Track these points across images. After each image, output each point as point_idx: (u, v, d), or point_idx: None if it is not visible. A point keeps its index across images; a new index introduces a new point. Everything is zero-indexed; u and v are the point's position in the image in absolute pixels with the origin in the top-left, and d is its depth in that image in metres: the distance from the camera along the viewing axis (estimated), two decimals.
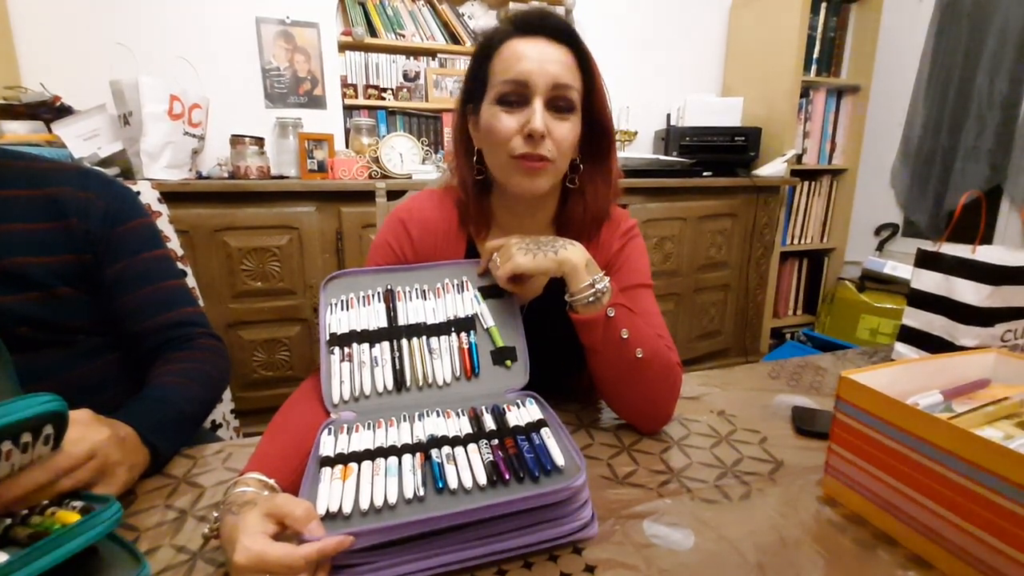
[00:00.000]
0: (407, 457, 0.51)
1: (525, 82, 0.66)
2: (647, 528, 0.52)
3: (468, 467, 0.49)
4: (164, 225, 1.22)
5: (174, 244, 1.21)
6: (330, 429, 0.57)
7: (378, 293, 0.70)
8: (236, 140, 1.76)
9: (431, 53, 2.20)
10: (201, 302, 1.16)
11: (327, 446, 0.54)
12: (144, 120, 1.57)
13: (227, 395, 1.20)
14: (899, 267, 2.37)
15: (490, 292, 0.71)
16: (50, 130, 1.55)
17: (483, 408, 0.60)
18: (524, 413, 0.59)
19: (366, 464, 0.50)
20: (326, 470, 0.50)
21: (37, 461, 0.47)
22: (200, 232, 1.58)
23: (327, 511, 0.45)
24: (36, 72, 1.71)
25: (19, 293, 0.67)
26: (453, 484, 0.47)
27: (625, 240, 0.79)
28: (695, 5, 2.54)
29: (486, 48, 0.71)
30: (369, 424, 0.58)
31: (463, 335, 0.68)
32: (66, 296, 0.70)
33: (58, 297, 0.70)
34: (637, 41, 2.48)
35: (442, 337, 0.67)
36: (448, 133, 2.23)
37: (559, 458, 0.50)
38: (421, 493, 0.47)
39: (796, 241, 2.68)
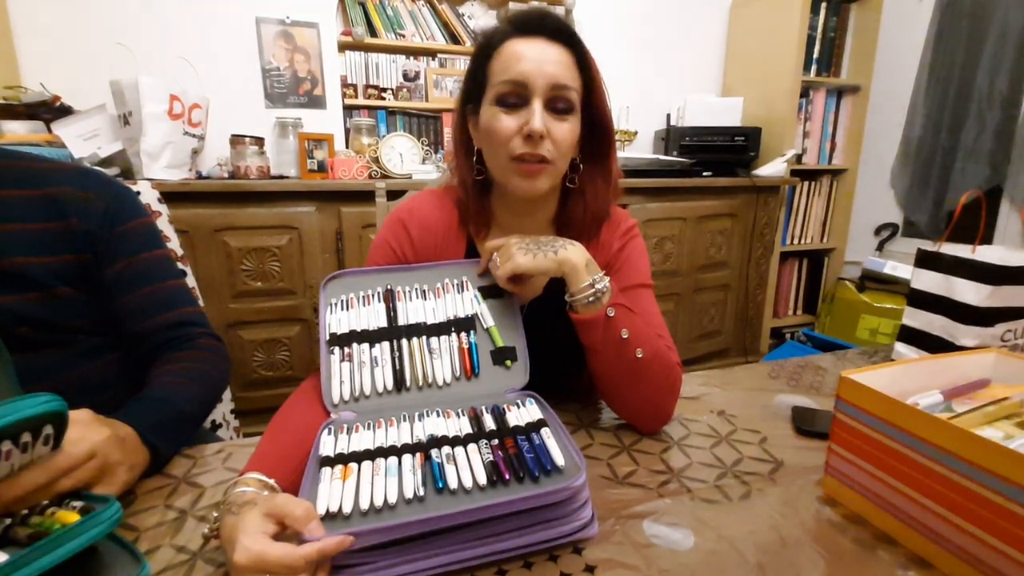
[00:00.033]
0: (407, 457, 0.51)
1: (524, 83, 0.66)
2: (647, 528, 0.52)
3: (468, 467, 0.49)
4: (164, 225, 1.22)
5: (174, 244, 1.21)
6: (330, 429, 0.57)
7: (378, 293, 0.70)
8: (236, 140, 1.76)
9: (431, 53, 2.20)
10: (201, 302, 1.15)
11: (327, 446, 0.54)
12: (144, 120, 1.57)
13: (227, 395, 1.20)
14: (899, 267, 2.37)
15: (490, 292, 0.71)
16: (50, 130, 1.55)
17: (483, 408, 0.60)
18: (524, 413, 0.59)
19: (366, 464, 0.50)
20: (326, 470, 0.50)
21: (37, 461, 0.47)
22: (200, 232, 1.58)
23: (327, 511, 0.45)
24: (36, 72, 1.71)
25: (19, 293, 0.67)
26: (453, 484, 0.47)
27: (625, 240, 0.79)
28: (695, 5, 2.54)
29: (485, 48, 0.71)
30: (369, 424, 0.58)
31: (463, 335, 0.68)
32: (66, 296, 0.70)
33: (58, 297, 0.70)
34: (637, 41, 2.48)
35: (442, 337, 0.67)
36: (448, 133, 2.23)
37: (559, 458, 0.50)
38: (421, 493, 0.47)
39: (796, 241, 2.68)
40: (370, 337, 0.66)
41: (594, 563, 0.47)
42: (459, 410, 0.60)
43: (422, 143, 2.06)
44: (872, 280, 2.47)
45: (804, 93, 2.47)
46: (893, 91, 2.47)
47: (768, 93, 2.42)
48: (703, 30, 2.59)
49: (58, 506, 0.46)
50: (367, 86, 2.13)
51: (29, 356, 0.67)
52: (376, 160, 1.93)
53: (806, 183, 2.62)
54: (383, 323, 0.67)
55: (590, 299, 0.64)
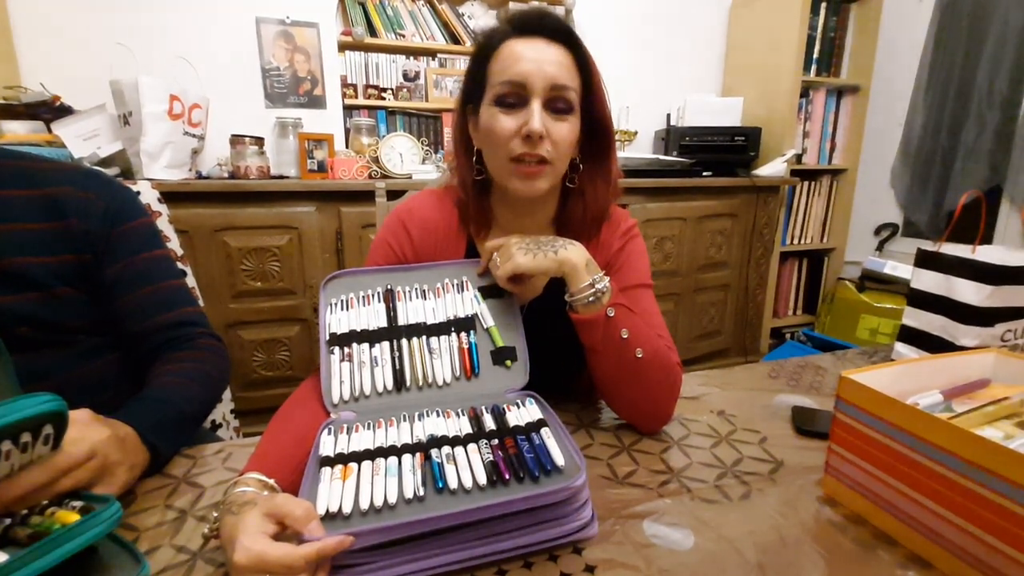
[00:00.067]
0: (407, 457, 0.51)
1: (523, 83, 0.66)
2: (647, 528, 0.52)
3: (468, 467, 0.49)
4: (164, 225, 1.22)
5: (174, 244, 1.21)
6: (330, 429, 0.57)
7: (378, 293, 0.70)
8: (236, 140, 1.76)
9: (431, 53, 2.20)
10: (201, 302, 1.15)
11: (327, 446, 0.54)
12: (144, 120, 1.57)
13: (227, 395, 1.20)
14: (899, 267, 2.37)
15: (490, 292, 0.71)
16: (50, 130, 1.55)
17: (483, 408, 0.60)
18: (524, 413, 0.59)
19: (366, 464, 0.50)
20: (326, 470, 0.50)
21: (37, 461, 0.47)
22: (200, 232, 1.58)
23: (327, 511, 0.45)
24: (36, 72, 1.71)
25: (19, 293, 0.67)
26: (453, 484, 0.47)
27: (625, 240, 0.79)
28: (695, 5, 2.54)
29: (484, 49, 0.71)
30: (369, 424, 0.58)
31: (463, 335, 0.68)
32: (66, 296, 0.70)
33: (58, 297, 0.70)
34: (637, 41, 2.48)
35: (442, 337, 0.67)
36: (448, 133, 2.23)
37: (559, 458, 0.50)
38: (421, 493, 0.47)
39: (796, 241, 2.68)
40: (370, 337, 0.66)
41: (594, 563, 0.47)
42: (459, 410, 0.60)
43: (422, 143, 2.06)
44: (872, 280, 2.47)
45: (804, 93, 2.47)
46: (893, 91, 2.47)
47: (768, 93, 2.42)
48: (703, 30, 2.59)
49: (58, 506, 0.46)
50: (367, 86, 2.13)
51: (29, 356, 0.67)
52: (376, 160, 1.93)
53: (806, 183, 2.62)
54: (383, 323, 0.67)
55: (590, 299, 0.64)
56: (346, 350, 0.65)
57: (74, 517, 0.44)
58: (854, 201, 2.69)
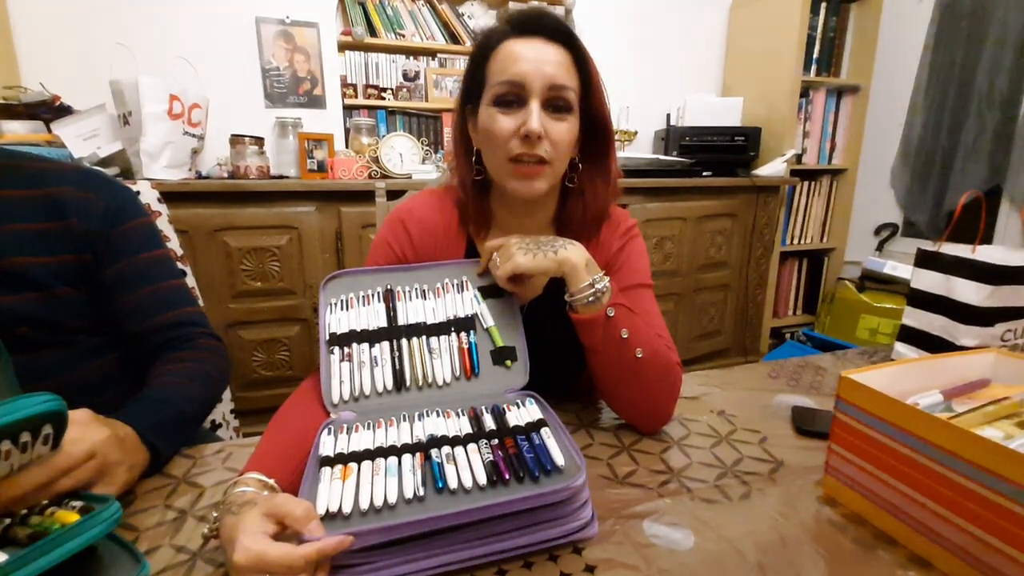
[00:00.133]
0: (407, 457, 0.51)
1: (521, 83, 0.66)
2: (647, 528, 0.52)
3: (468, 467, 0.49)
4: (164, 225, 1.22)
5: (174, 244, 1.21)
6: (330, 429, 0.57)
7: (378, 293, 0.70)
8: (236, 140, 1.75)
9: (431, 53, 2.20)
10: (201, 302, 1.15)
11: (327, 446, 0.54)
12: (144, 120, 1.57)
13: (227, 395, 1.20)
14: (899, 267, 2.37)
15: (490, 292, 0.71)
16: (50, 130, 1.55)
17: (483, 408, 0.60)
18: (524, 413, 0.59)
19: (366, 464, 0.50)
20: (326, 470, 0.50)
21: (36, 461, 0.47)
22: (200, 232, 1.58)
23: (327, 511, 0.45)
24: (36, 72, 1.71)
25: (19, 293, 0.67)
26: (453, 484, 0.47)
27: (625, 240, 0.79)
28: (695, 5, 2.54)
29: (483, 49, 0.71)
30: (369, 424, 0.58)
31: (463, 335, 0.68)
32: (66, 296, 0.70)
33: (58, 297, 0.70)
34: (637, 41, 2.48)
35: (442, 337, 0.67)
36: (448, 133, 2.23)
37: (559, 458, 0.50)
38: (421, 493, 0.47)
39: (796, 241, 2.68)
40: (370, 337, 0.66)
41: (594, 563, 0.47)
42: (459, 410, 0.60)
43: (422, 143, 2.06)
44: (872, 280, 2.47)
45: (804, 93, 2.47)
46: (893, 91, 2.47)
47: (768, 93, 2.42)
48: (703, 30, 2.59)
49: (58, 506, 0.46)
50: (367, 86, 2.13)
51: (29, 356, 0.67)
52: (376, 160, 1.93)
53: (806, 183, 2.62)
54: (383, 323, 0.67)
55: (590, 299, 0.64)
56: (346, 350, 0.65)
57: (74, 517, 0.44)
58: (854, 201, 2.69)
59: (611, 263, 0.78)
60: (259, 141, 1.80)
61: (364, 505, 0.46)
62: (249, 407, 1.68)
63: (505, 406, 0.60)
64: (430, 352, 0.66)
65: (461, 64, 2.22)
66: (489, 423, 0.57)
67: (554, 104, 0.67)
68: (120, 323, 0.75)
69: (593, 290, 0.64)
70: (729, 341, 2.45)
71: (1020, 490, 0.40)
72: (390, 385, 0.63)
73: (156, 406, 0.64)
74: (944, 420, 0.46)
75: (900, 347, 0.95)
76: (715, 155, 2.31)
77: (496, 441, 0.53)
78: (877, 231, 2.60)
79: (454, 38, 2.19)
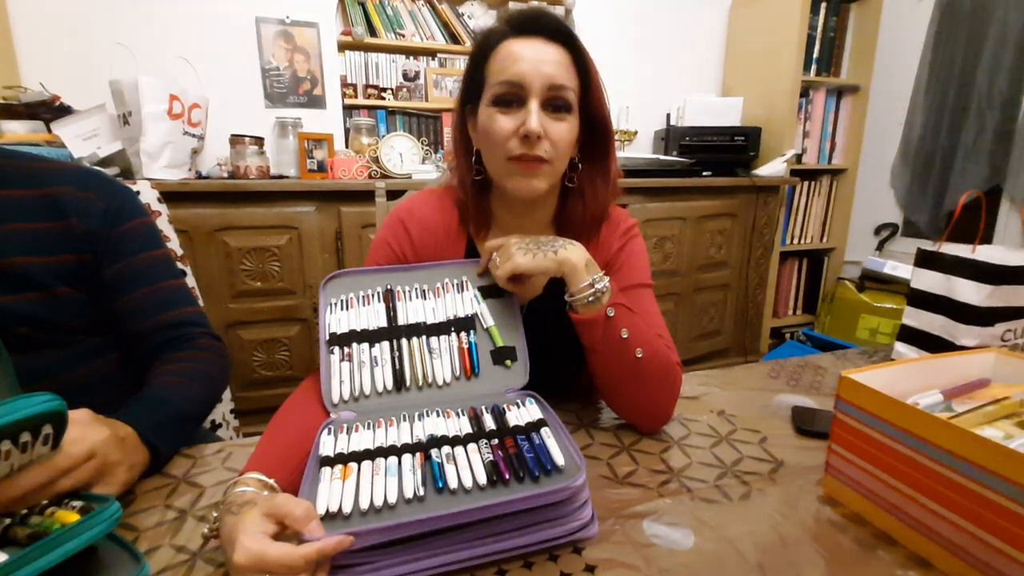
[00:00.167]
0: (407, 457, 0.51)
1: (520, 83, 0.66)
2: (647, 528, 0.52)
3: (468, 467, 0.49)
4: (164, 225, 1.22)
5: (174, 244, 1.21)
6: (330, 429, 0.57)
7: (378, 293, 0.70)
8: (236, 140, 1.75)
9: (431, 53, 2.20)
10: (201, 302, 1.15)
11: (327, 446, 0.54)
12: (144, 120, 1.57)
13: (227, 395, 1.20)
14: (899, 267, 2.37)
15: (490, 292, 0.71)
16: (50, 130, 1.55)
17: (483, 408, 0.60)
18: (524, 413, 0.59)
19: (366, 464, 0.50)
20: (326, 470, 0.50)
21: (36, 461, 0.47)
22: (199, 232, 1.58)
23: (327, 511, 0.45)
24: (36, 72, 1.71)
25: (19, 293, 0.67)
26: (453, 484, 0.47)
27: (625, 240, 0.79)
28: (695, 5, 2.54)
29: (482, 49, 0.71)
30: (369, 424, 0.58)
31: (463, 335, 0.68)
32: (66, 296, 0.70)
33: (58, 297, 0.70)
34: (637, 41, 2.48)
35: (442, 337, 0.67)
36: (448, 133, 2.23)
37: (559, 458, 0.50)
38: (421, 493, 0.47)
39: (796, 241, 2.68)
40: (370, 337, 0.66)
41: (594, 563, 0.47)
42: (459, 410, 0.60)
43: (422, 143, 2.06)
44: (872, 280, 2.47)
45: (804, 93, 2.47)
46: (893, 91, 2.47)
47: (768, 93, 2.42)
48: (703, 30, 2.59)
49: (58, 506, 0.46)
50: (367, 86, 2.13)
51: (29, 356, 0.67)
52: (376, 160, 1.93)
53: (806, 183, 2.62)
54: (383, 323, 0.67)
55: (590, 299, 0.64)
56: (346, 350, 0.65)
57: (74, 517, 0.44)
58: (854, 201, 2.69)
59: (611, 263, 0.78)
60: (259, 141, 1.80)
61: (364, 505, 0.46)
62: (249, 407, 1.68)
63: (505, 406, 0.60)
64: (430, 352, 0.66)
65: (461, 64, 2.22)
66: (489, 423, 0.57)
67: (553, 104, 0.67)
68: (120, 323, 0.75)
69: (593, 290, 0.64)
70: (729, 341, 2.45)
71: (1020, 490, 0.40)
72: (390, 385, 0.63)
73: (156, 406, 0.64)
74: (944, 420, 0.46)
75: (900, 347, 0.95)
76: (715, 155, 2.31)
77: (496, 441, 0.53)
78: (877, 231, 2.60)
79: (454, 38, 2.19)
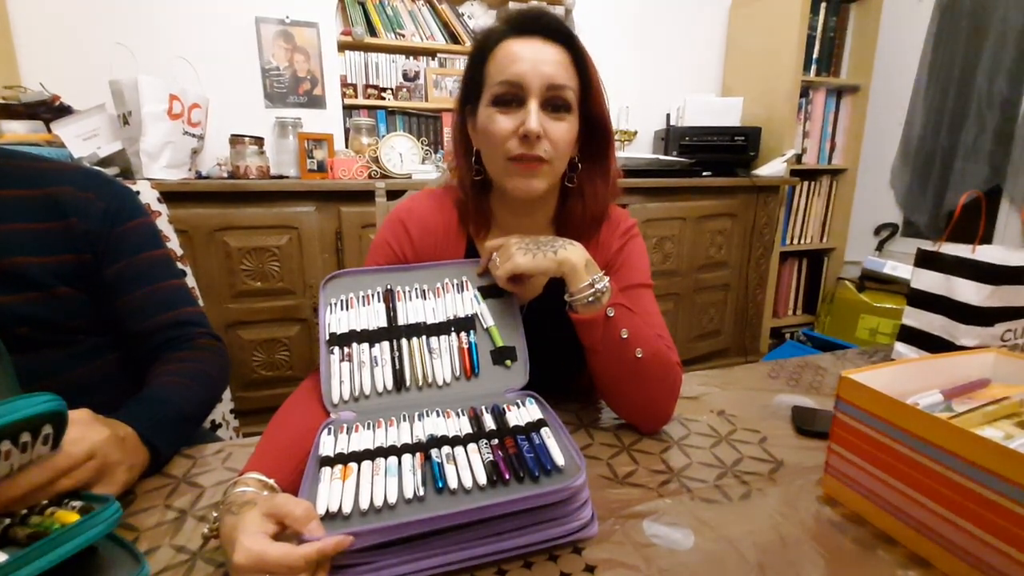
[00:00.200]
0: (407, 457, 0.51)
1: (520, 83, 0.66)
2: (647, 528, 0.52)
3: (468, 467, 0.49)
4: (164, 225, 1.22)
5: (174, 244, 1.21)
6: (330, 429, 0.57)
7: (378, 293, 0.70)
8: (236, 140, 1.75)
9: (431, 53, 2.20)
10: (201, 302, 1.15)
11: (327, 446, 0.54)
12: (144, 120, 1.57)
13: (227, 395, 1.20)
14: (899, 267, 2.37)
15: (490, 292, 0.71)
16: (49, 130, 1.55)
17: (483, 408, 0.60)
18: (524, 413, 0.59)
19: (366, 464, 0.50)
20: (326, 470, 0.50)
21: (36, 461, 0.47)
22: (199, 232, 1.58)
23: (327, 511, 0.45)
24: (36, 72, 1.71)
25: (19, 293, 0.67)
26: (453, 484, 0.47)
27: (625, 240, 0.79)
28: (695, 5, 2.54)
29: (482, 49, 0.71)
30: (369, 424, 0.58)
31: (463, 335, 0.68)
32: (66, 296, 0.70)
33: (58, 297, 0.70)
34: (637, 41, 2.48)
35: (442, 337, 0.67)
36: (448, 133, 2.23)
37: (559, 458, 0.50)
38: (421, 493, 0.47)
39: (796, 241, 2.68)
40: (370, 337, 0.66)
41: (594, 563, 0.47)
42: (459, 410, 0.60)
43: (422, 143, 2.06)
44: (872, 280, 2.47)
45: (804, 93, 2.47)
46: (893, 91, 2.47)
47: (768, 93, 2.42)
48: (703, 30, 2.59)
49: (57, 506, 0.46)
50: (367, 86, 2.13)
51: (29, 356, 0.67)
52: (376, 160, 1.93)
53: (806, 183, 2.62)
54: (383, 323, 0.67)
55: (590, 299, 0.64)
56: (346, 350, 0.65)
57: (74, 517, 0.44)
58: (854, 201, 2.69)
59: (611, 263, 0.78)
60: (259, 141, 1.80)
61: (364, 505, 0.46)
62: (249, 407, 1.68)
63: (505, 406, 0.60)
64: (430, 352, 0.66)
65: (461, 64, 2.22)
66: (489, 423, 0.57)
67: (553, 104, 0.67)
68: (120, 323, 0.75)
69: (593, 290, 0.64)
70: (729, 341, 2.45)
71: (1020, 490, 0.40)
72: (390, 385, 0.63)
73: (156, 406, 0.64)
74: (944, 420, 0.46)
75: (900, 347, 0.95)
76: (715, 155, 2.31)
77: (496, 441, 0.53)
78: (877, 231, 2.60)
79: (454, 38, 2.19)
